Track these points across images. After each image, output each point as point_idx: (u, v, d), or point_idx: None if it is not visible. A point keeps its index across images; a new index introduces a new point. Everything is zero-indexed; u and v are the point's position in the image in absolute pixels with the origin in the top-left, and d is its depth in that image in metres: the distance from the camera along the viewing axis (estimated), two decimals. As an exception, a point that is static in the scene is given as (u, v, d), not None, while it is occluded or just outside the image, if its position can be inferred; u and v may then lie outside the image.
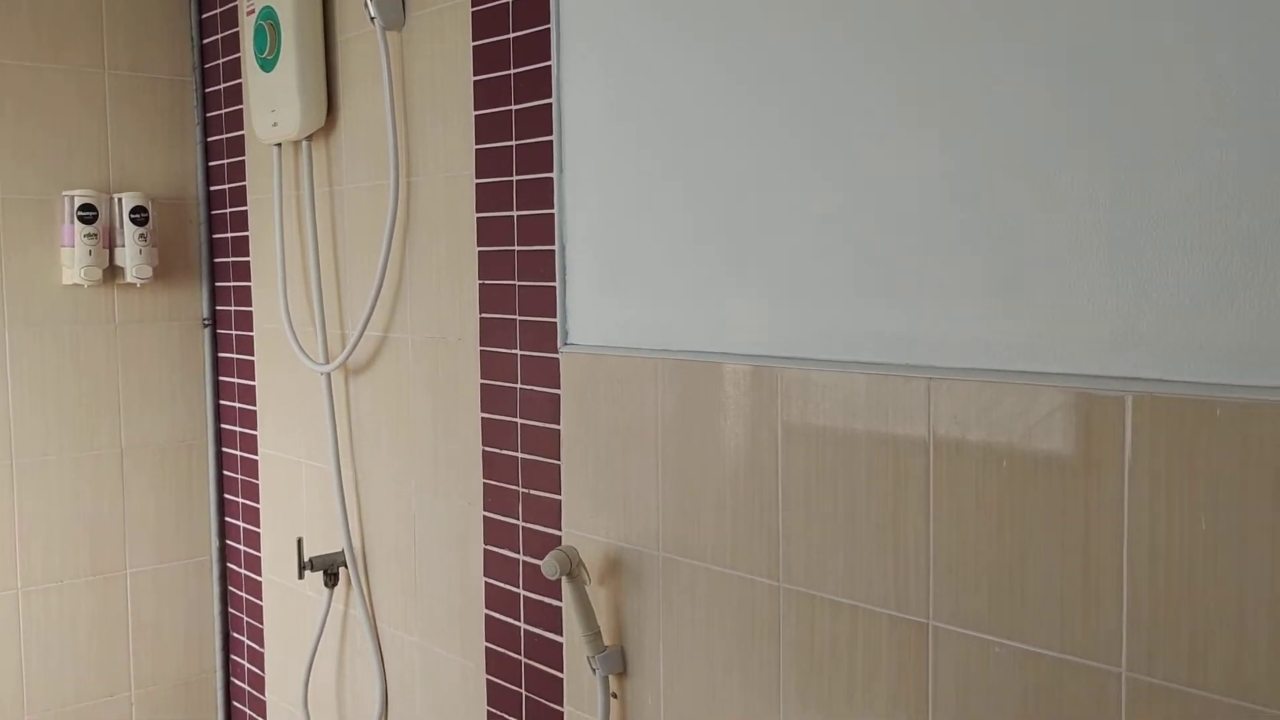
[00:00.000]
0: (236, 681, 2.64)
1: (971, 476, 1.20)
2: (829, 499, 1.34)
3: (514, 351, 1.79)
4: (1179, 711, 1.04)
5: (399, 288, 2.02)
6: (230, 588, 2.64)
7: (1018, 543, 1.16)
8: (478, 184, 1.83)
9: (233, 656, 2.65)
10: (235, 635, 2.64)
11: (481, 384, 1.86)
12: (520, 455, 1.79)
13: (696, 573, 1.50)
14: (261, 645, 2.54)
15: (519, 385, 1.78)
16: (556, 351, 1.71)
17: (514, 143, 1.76)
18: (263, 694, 2.54)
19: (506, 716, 1.85)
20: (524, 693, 1.81)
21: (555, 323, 1.70)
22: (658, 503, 1.55)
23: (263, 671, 2.53)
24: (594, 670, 1.61)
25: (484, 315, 1.84)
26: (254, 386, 2.50)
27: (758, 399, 1.41)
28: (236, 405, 2.56)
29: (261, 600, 2.53)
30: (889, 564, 1.27)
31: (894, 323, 1.26)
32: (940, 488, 1.22)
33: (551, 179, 1.69)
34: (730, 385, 1.45)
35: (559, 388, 1.71)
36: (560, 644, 1.73)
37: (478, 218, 1.84)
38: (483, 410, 1.86)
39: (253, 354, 2.49)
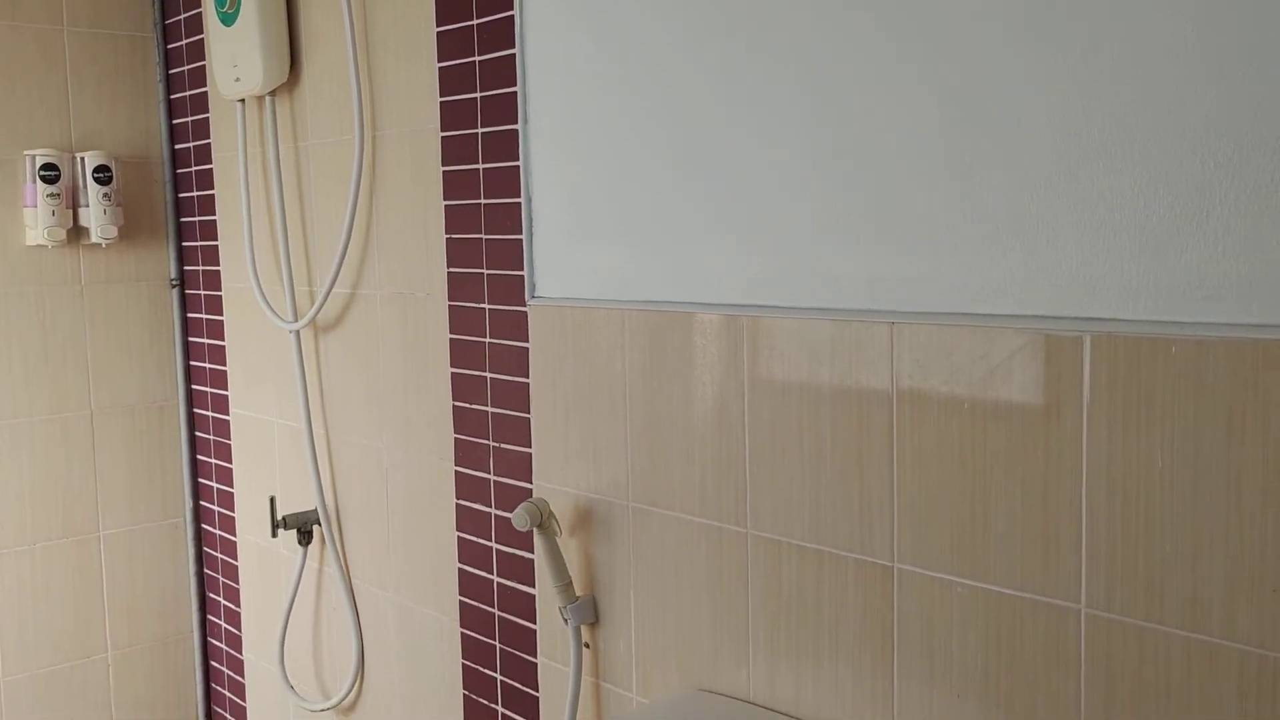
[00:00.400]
0: (214, 642, 2.65)
1: (934, 420, 1.20)
2: (794, 445, 1.34)
3: (482, 306, 1.78)
4: (1137, 646, 1.06)
5: (366, 244, 2.01)
6: (205, 548, 2.64)
7: (980, 485, 1.17)
8: (443, 137, 1.82)
9: (209, 617, 2.66)
10: (211, 596, 2.64)
11: (450, 339, 1.85)
12: (490, 409, 1.79)
13: (666, 522, 1.51)
14: (238, 605, 2.54)
15: (488, 339, 1.78)
16: (525, 305, 1.70)
17: (479, 95, 1.74)
18: (240, 653, 2.55)
19: (482, 669, 1.86)
20: (498, 645, 1.82)
21: (523, 276, 1.70)
22: (627, 454, 1.56)
23: (240, 631, 2.54)
24: (566, 621, 1.62)
25: (451, 270, 1.84)
26: (224, 347, 2.48)
27: (725, 347, 1.42)
28: (207, 366, 2.55)
29: (237, 560, 2.53)
30: (854, 509, 1.29)
31: (857, 266, 1.27)
32: (904, 432, 1.23)
33: (517, 130, 1.68)
34: (698, 334, 1.45)
35: (527, 341, 1.71)
36: (533, 596, 1.75)
37: (444, 171, 1.82)
38: (452, 365, 1.86)
39: (222, 314, 2.48)
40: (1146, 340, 1.04)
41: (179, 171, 2.55)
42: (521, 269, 1.70)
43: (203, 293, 2.53)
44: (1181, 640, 1.03)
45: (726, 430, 1.42)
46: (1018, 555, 1.14)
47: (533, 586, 1.74)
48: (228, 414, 2.50)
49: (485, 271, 1.77)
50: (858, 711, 1.30)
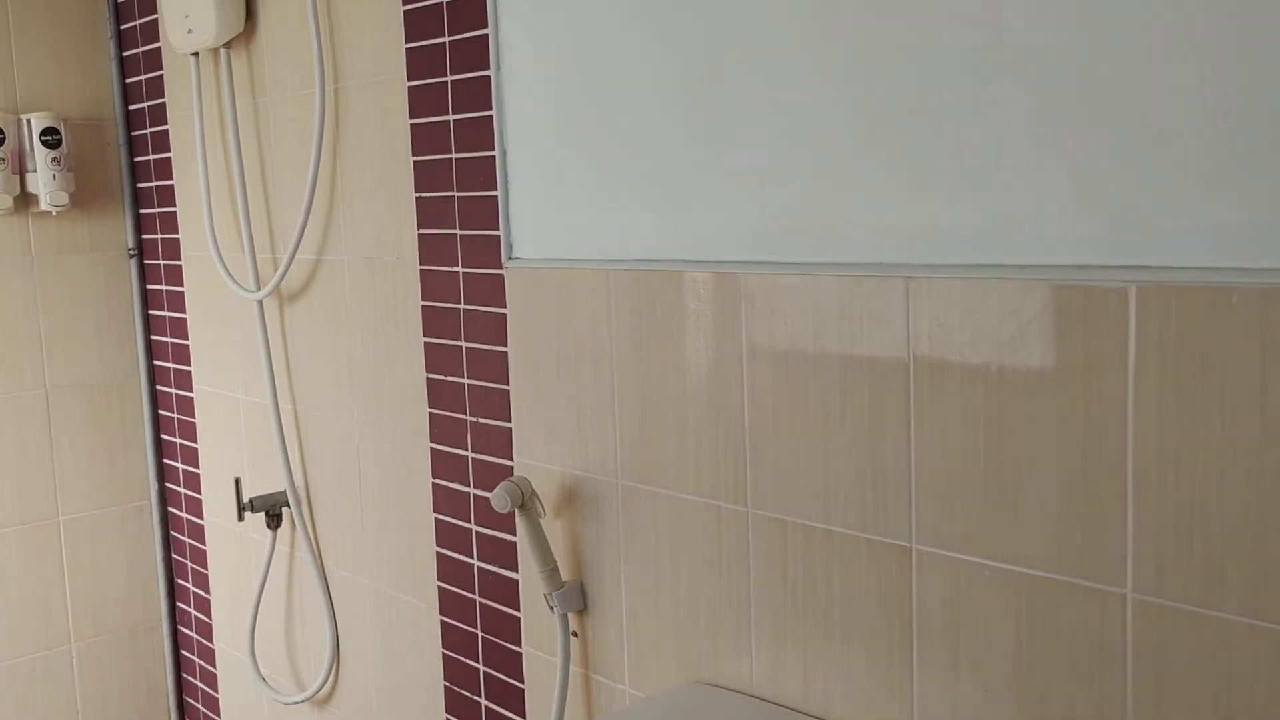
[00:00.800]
0: (184, 630, 2.52)
1: (956, 385, 1.08)
2: (799, 415, 1.22)
3: (455, 269, 1.65)
4: (1191, 635, 0.94)
5: (331, 205, 1.87)
6: (172, 532, 2.51)
7: (1009, 455, 1.05)
8: (410, 87, 1.68)
9: (179, 604, 2.53)
10: (180, 582, 2.51)
11: (423, 306, 1.72)
12: (467, 381, 1.66)
13: (658, 501, 1.39)
14: (208, 592, 2.41)
15: (462, 305, 1.65)
16: (501, 267, 1.57)
17: (447, 39, 1.60)
18: (212, 643, 2.42)
19: (463, 659, 1.74)
20: (480, 633, 1.70)
21: (499, 236, 1.57)
22: (615, 427, 1.43)
23: (210, 619, 2.42)
24: (552, 608, 1.50)
25: (422, 231, 1.70)
26: (185, 319, 2.34)
27: (721, 308, 1.29)
28: (168, 340, 2.41)
29: (205, 545, 2.40)
30: (867, 484, 1.16)
31: (867, 215, 1.14)
32: (922, 398, 1.11)
33: (489, 77, 1.54)
34: (689, 295, 1.32)
35: (505, 307, 1.57)
36: (516, 581, 1.62)
37: (411, 124, 1.68)
38: (425, 334, 1.72)
39: (182, 285, 2.33)
40: (1203, 290, 0.91)
41: (134, 133, 2.40)
42: (497, 228, 1.57)
43: (162, 262, 2.39)
44: (1244, 629, 0.91)
45: (724, 401, 1.29)
46: (1053, 534, 1.02)
47: (516, 571, 1.62)
48: (191, 390, 2.36)
49: (458, 232, 1.64)
50: (873, 706, 1.18)
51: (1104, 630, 1.00)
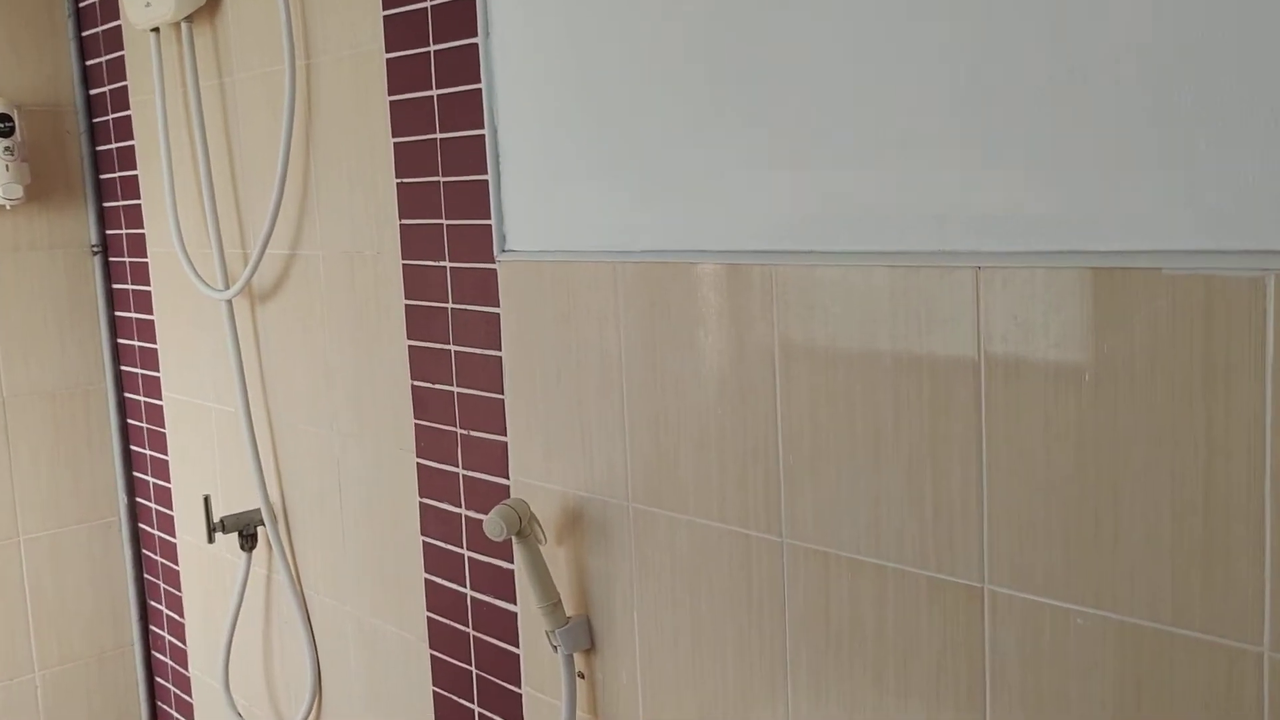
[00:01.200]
0: (158, 656, 2.34)
1: (1039, 394, 0.90)
2: (844, 429, 1.04)
3: (442, 264, 1.47)
4: (1346, 703, 0.77)
5: (305, 194, 1.69)
6: (144, 550, 2.33)
7: (1107, 479, 0.87)
8: (389, 59, 1.49)
9: (152, 628, 2.35)
10: (153, 604, 2.33)
11: (406, 305, 1.54)
12: (456, 389, 1.48)
13: (676, 527, 1.21)
14: (182, 615, 2.23)
15: (450, 305, 1.47)
16: (493, 261, 1.39)
17: (429, 3, 1.42)
18: (187, 669, 2.24)
19: (456, 699, 1.56)
20: (474, 670, 1.52)
21: (490, 225, 1.38)
22: (625, 442, 1.25)
23: (185, 644, 2.23)
24: (555, 647, 1.32)
25: (405, 222, 1.52)
26: (153, 321, 2.16)
27: (746, 306, 1.10)
28: (136, 344, 2.23)
29: (178, 565, 2.22)
30: (927, 512, 0.98)
31: (926, 197, 0.95)
32: (995, 410, 0.93)
33: (476, 45, 1.36)
34: (710, 290, 1.14)
35: (498, 305, 1.39)
36: (514, 614, 1.44)
37: (391, 101, 1.50)
38: (410, 337, 1.54)
39: (150, 284, 2.15)
40: (1364, 278, 0.73)
41: (95, 120, 2.21)
42: (488, 217, 1.38)
43: (128, 260, 2.20)
44: None
45: (753, 412, 1.11)
46: (1165, 576, 0.84)
47: (514, 603, 1.44)
48: (161, 398, 2.17)
49: (444, 222, 1.45)
50: (935, 772, 1.01)
51: (1232, 694, 0.82)
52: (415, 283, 1.51)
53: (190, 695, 2.24)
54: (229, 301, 1.83)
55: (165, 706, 2.34)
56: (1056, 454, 0.89)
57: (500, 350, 1.40)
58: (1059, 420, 0.89)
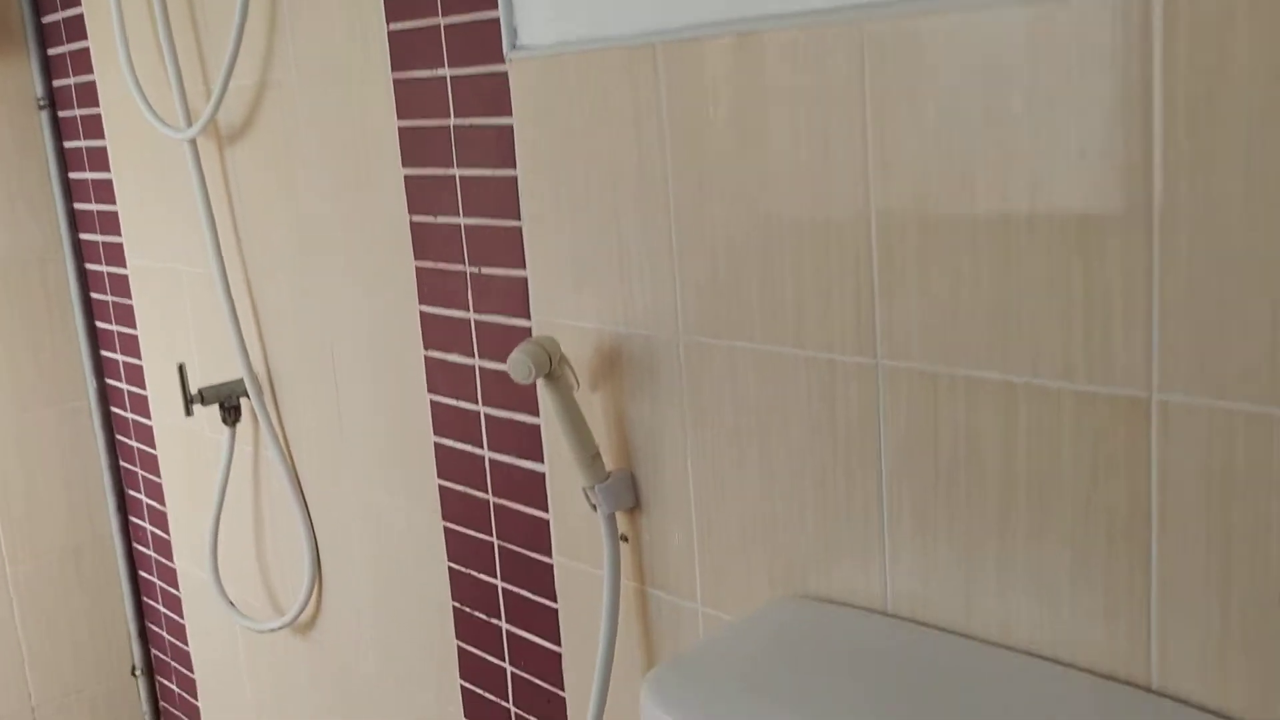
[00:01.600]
0: (140, 548, 2.16)
1: (1235, 136, 0.70)
2: (962, 219, 0.84)
3: (441, 72, 1.25)
4: None
5: (274, 8, 1.45)
6: (118, 436, 2.14)
7: (1332, 248, 0.68)
8: None
9: (131, 519, 2.17)
10: (131, 493, 2.15)
11: (399, 127, 1.32)
12: (463, 220, 1.27)
13: (739, 359, 1.01)
14: (163, 504, 2.05)
15: (452, 120, 1.25)
16: (503, 61, 1.17)
17: None
18: (172, 561, 2.06)
19: (475, 574, 1.38)
20: (496, 541, 1.34)
21: (497, 18, 1.16)
22: (674, 265, 1.05)
23: (169, 535, 2.06)
24: (594, 506, 1.13)
25: (393, 26, 1.29)
26: (110, 180, 1.93)
27: (826, 75, 0.90)
28: (94, 207, 2.00)
29: (156, 449, 2.03)
30: (1075, 308, 0.79)
31: (1081, -99, 0.74)
32: (1179, 161, 0.73)
33: None
34: (778, 61, 0.93)
35: (510, 115, 1.18)
36: (541, 475, 1.26)
37: (371, -122, 1.26)
38: (405, 164, 1.33)
39: (104, 138, 1.92)
40: None
41: (30, -47, 1.95)
42: (495, 7, 1.16)
43: (78, 112, 1.96)
44: None
45: (838, 206, 0.91)
46: None
47: (541, 462, 1.25)
48: (125, 266, 1.96)
49: (441, 20, 1.23)
50: (1084, 630, 0.83)
51: None
52: (409, 98, 1.29)
53: (178, 589, 2.07)
54: (193, 142, 1.60)
55: (151, 602, 2.17)
56: (1257, 210, 0.70)
57: (515, 169, 1.19)
58: (1261, 160, 0.69)
